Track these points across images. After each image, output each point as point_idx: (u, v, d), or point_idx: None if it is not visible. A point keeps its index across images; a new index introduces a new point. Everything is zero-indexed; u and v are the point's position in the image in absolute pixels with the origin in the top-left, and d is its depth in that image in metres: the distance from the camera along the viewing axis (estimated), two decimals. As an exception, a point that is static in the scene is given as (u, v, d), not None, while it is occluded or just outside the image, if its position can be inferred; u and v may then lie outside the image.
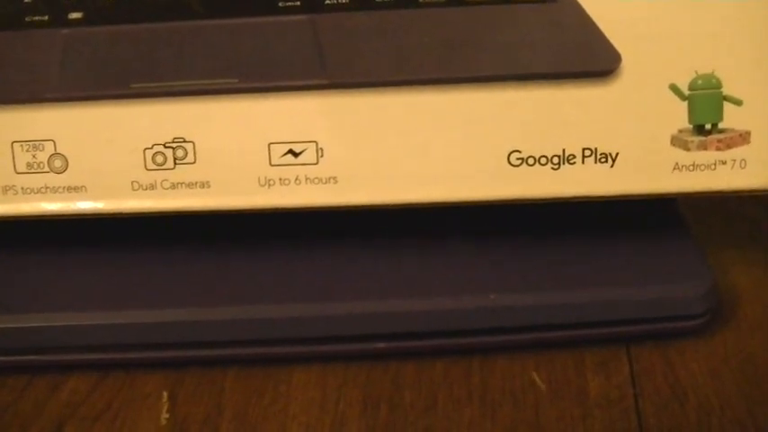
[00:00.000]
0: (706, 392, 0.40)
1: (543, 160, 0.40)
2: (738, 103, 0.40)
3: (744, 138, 0.41)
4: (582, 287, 0.42)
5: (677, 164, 0.41)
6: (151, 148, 0.40)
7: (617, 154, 0.40)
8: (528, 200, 0.40)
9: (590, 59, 0.39)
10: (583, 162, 0.40)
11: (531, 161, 0.40)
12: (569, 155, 0.40)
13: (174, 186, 0.40)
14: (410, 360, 0.41)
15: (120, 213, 0.40)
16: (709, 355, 0.42)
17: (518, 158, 0.40)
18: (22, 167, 0.40)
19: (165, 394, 0.40)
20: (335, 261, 0.43)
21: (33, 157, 0.40)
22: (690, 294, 0.42)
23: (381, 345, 0.41)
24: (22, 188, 0.40)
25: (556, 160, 0.40)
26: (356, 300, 0.41)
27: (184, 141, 0.40)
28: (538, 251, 0.43)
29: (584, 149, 0.40)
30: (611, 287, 0.42)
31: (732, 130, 0.41)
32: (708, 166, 0.41)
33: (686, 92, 0.40)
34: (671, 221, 0.45)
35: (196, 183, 0.40)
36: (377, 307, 0.41)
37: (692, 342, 0.42)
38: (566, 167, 0.40)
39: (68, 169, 0.40)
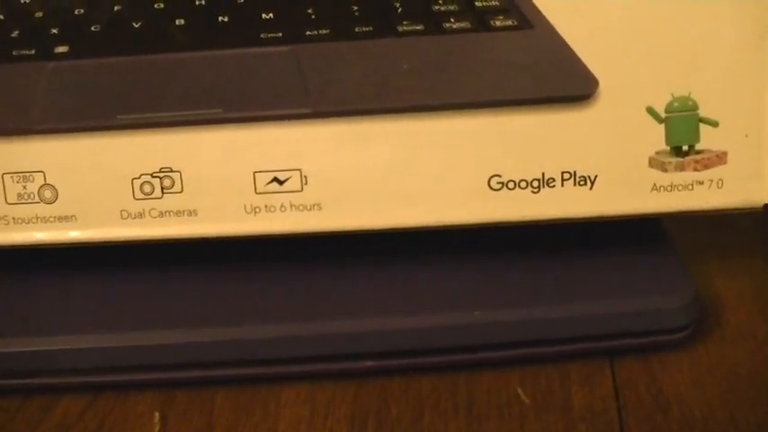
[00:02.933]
0: (689, 403, 0.40)
1: (523, 184, 0.41)
2: (714, 124, 0.41)
3: (720, 158, 0.41)
4: (564, 302, 0.42)
5: (655, 185, 0.41)
6: (139, 177, 0.41)
7: (596, 176, 0.41)
8: (509, 223, 0.41)
9: (567, 84, 0.40)
10: (562, 185, 0.41)
11: (511, 185, 0.41)
12: (549, 178, 0.41)
13: (162, 215, 0.41)
14: (397, 376, 0.42)
15: (110, 242, 0.41)
16: (692, 367, 0.42)
17: (498, 182, 0.41)
18: (12, 198, 0.41)
19: (156, 414, 0.41)
20: (322, 281, 0.43)
21: (24, 187, 0.40)
22: (672, 308, 0.42)
23: (369, 363, 0.42)
24: (14, 218, 0.41)
25: (536, 184, 0.41)
26: (343, 319, 0.42)
27: (171, 171, 0.40)
28: (520, 267, 0.44)
29: (563, 173, 0.41)
30: (593, 302, 0.42)
31: (709, 151, 0.41)
32: (685, 187, 0.41)
33: (663, 114, 0.41)
34: (653, 234, 0.45)
35: (184, 211, 0.41)
36: (364, 326, 0.42)
37: (675, 353, 0.43)
38: (545, 190, 0.41)
39: (58, 199, 0.41)
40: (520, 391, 0.41)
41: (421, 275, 0.44)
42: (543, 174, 0.41)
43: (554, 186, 0.41)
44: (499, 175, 0.41)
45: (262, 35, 0.40)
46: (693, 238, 0.49)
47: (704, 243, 0.49)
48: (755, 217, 0.44)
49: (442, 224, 0.41)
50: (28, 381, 0.42)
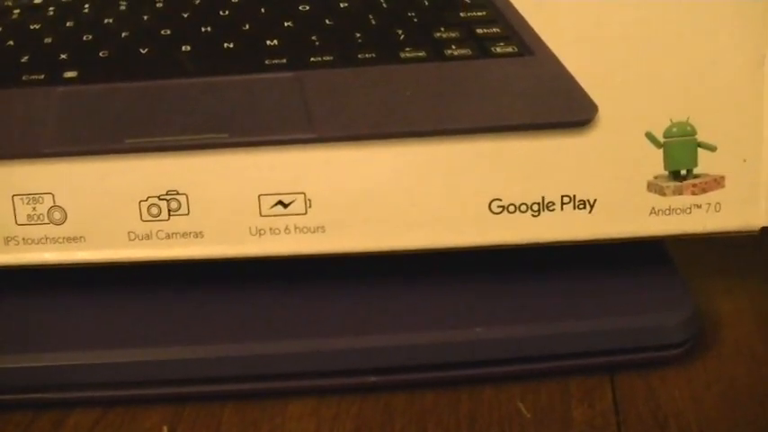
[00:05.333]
0: (687, 418, 0.41)
1: (523, 208, 0.42)
2: (712, 149, 0.42)
3: (718, 182, 0.42)
4: (565, 318, 0.43)
5: (654, 208, 0.42)
6: (146, 200, 0.41)
7: (595, 200, 0.42)
8: (509, 246, 0.42)
9: (567, 110, 0.41)
10: (562, 209, 0.42)
11: (511, 209, 0.42)
12: (549, 202, 0.42)
13: (168, 236, 0.41)
14: (401, 391, 0.43)
15: (118, 263, 0.42)
16: (691, 382, 0.43)
17: (499, 206, 0.42)
18: (22, 219, 0.42)
19: (165, 428, 0.42)
20: (327, 298, 0.44)
21: (33, 209, 0.41)
22: (670, 324, 0.43)
23: (373, 378, 0.42)
24: (24, 239, 0.42)
25: (536, 207, 0.42)
26: (347, 335, 0.42)
27: (178, 194, 0.41)
28: (521, 284, 0.45)
29: (562, 197, 0.42)
30: (593, 318, 0.43)
31: (707, 175, 0.42)
32: (683, 210, 0.42)
33: (661, 139, 0.42)
34: (653, 251, 0.46)
35: (190, 233, 0.41)
36: (367, 342, 0.42)
37: (674, 369, 0.43)
38: (545, 214, 0.42)
39: (67, 221, 0.41)
40: (521, 405, 0.42)
41: (423, 292, 0.44)
42: (543, 198, 0.42)
43: (554, 210, 0.42)
44: (500, 199, 0.42)
45: (266, 61, 0.41)
46: (694, 256, 0.49)
47: (705, 261, 0.49)
48: (755, 236, 0.44)
49: (443, 247, 0.42)
50: (39, 395, 0.43)
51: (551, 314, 0.43)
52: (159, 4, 0.41)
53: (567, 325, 0.43)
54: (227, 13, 0.41)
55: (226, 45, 0.41)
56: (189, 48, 0.41)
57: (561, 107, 0.41)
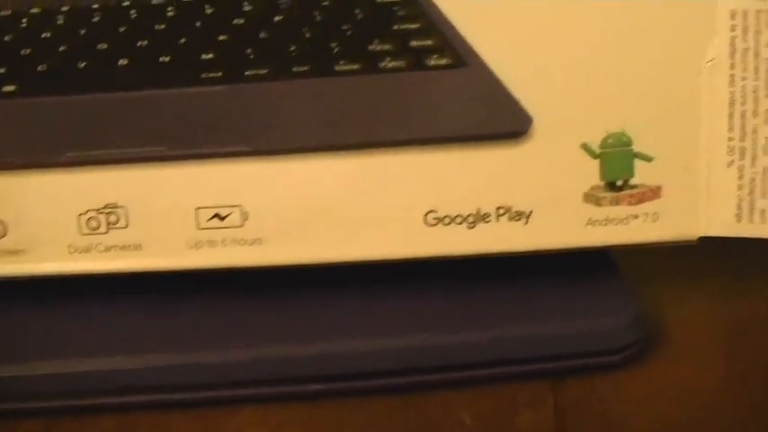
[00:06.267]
0: (633, 423, 0.41)
1: (459, 219, 0.42)
2: (649, 159, 0.42)
3: (655, 192, 0.42)
4: (510, 325, 0.43)
5: (590, 219, 0.42)
6: (85, 213, 0.42)
7: (531, 212, 0.42)
8: (446, 257, 0.42)
9: (502, 122, 0.41)
10: (497, 220, 0.42)
11: (447, 220, 0.42)
12: (484, 213, 0.42)
13: (108, 249, 0.42)
14: (349, 398, 0.43)
15: (58, 275, 0.42)
16: (637, 386, 0.43)
17: (434, 218, 0.42)
18: (-36, 233, 0.42)
19: (114, 439, 0.42)
20: (272, 307, 0.44)
21: (-26, 222, 0.42)
22: (615, 328, 0.43)
23: (317, 386, 0.43)
24: (-35, 253, 0.42)
25: (471, 219, 0.42)
26: (293, 343, 0.42)
27: (117, 207, 0.42)
28: (465, 291, 0.45)
29: (498, 208, 0.42)
30: (538, 324, 0.43)
31: (644, 186, 0.42)
32: (621, 221, 0.42)
33: (597, 150, 0.42)
34: (598, 255, 0.46)
35: (129, 246, 0.42)
36: (311, 350, 0.42)
37: (620, 374, 0.43)
38: (481, 226, 0.42)
39: (8, 234, 0.42)
40: (463, 413, 0.42)
41: (368, 299, 0.45)
42: (478, 209, 0.42)
43: (489, 222, 0.42)
44: (435, 211, 0.42)
45: (202, 75, 0.41)
46: (642, 260, 0.49)
47: (653, 265, 0.49)
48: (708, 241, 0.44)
49: (379, 259, 0.42)
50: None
51: (496, 320, 0.43)
52: (96, 19, 0.42)
53: (511, 331, 0.43)
54: (162, 27, 0.41)
55: (162, 59, 0.41)
56: (126, 61, 0.41)
57: (495, 119, 0.41)
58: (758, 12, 0.41)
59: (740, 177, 0.42)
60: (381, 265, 0.44)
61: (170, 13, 0.41)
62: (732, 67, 0.41)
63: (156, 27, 0.41)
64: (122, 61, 0.41)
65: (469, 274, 0.45)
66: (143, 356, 0.42)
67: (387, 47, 0.41)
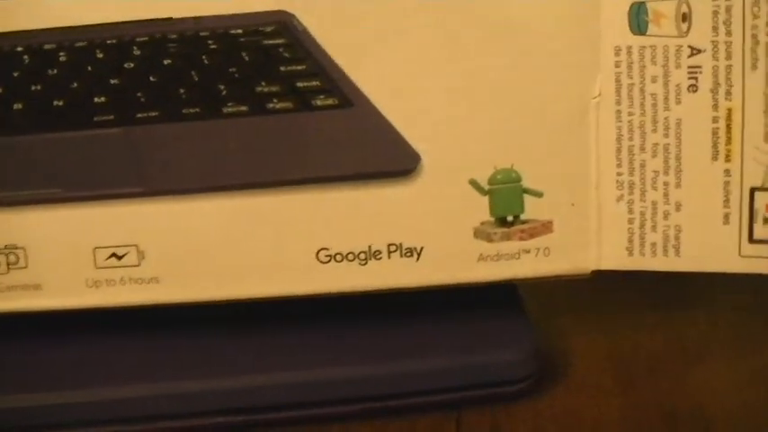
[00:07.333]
0: (531, 453, 0.41)
1: (350, 256, 0.42)
2: (539, 195, 0.42)
3: (546, 227, 0.42)
4: (410, 357, 0.43)
5: (482, 255, 0.42)
6: (-15, 254, 0.43)
7: (422, 248, 0.42)
8: (339, 294, 0.43)
9: (389, 160, 0.41)
10: (389, 257, 0.42)
11: (338, 258, 0.42)
12: (375, 251, 0.42)
13: (8, 289, 0.43)
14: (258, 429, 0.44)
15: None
16: (537, 416, 0.43)
17: (326, 255, 0.42)
18: None
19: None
20: (173, 341, 0.45)
21: None
22: (513, 359, 0.43)
23: (219, 419, 0.43)
24: None
25: (363, 256, 0.42)
26: (194, 377, 0.43)
27: (16, 248, 0.42)
28: (367, 323, 0.45)
29: (389, 245, 0.42)
30: (438, 356, 0.43)
31: (535, 221, 0.42)
32: (512, 256, 0.42)
33: (486, 186, 0.42)
34: (499, 286, 0.46)
35: (29, 285, 0.43)
36: (211, 384, 0.43)
37: (519, 404, 0.44)
38: (373, 262, 0.42)
39: None
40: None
41: (270, 334, 0.45)
42: (370, 247, 0.42)
43: (381, 258, 0.42)
44: (327, 249, 0.42)
45: (95, 118, 0.42)
46: (544, 291, 0.49)
47: (555, 296, 0.50)
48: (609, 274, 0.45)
49: (273, 295, 0.43)
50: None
51: (397, 353, 0.44)
52: (-11, 65, 0.43)
53: (411, 363, 0.43)
54: (55, 71, 0.42)
55: (56, 103, 0.42)
56: (20, 105, 0.42)
57: (383, 157, 0.41)
58: (642, 48, 0.41)
59: (630, 211, 0.42)
60: (286, 301, 0.44)
61: (62, 58, 0.42)
62: (618, 102, 0.41)
63: (49, 72, 0.42)
64: (17, 105, 0.42)
65: (371, 306, 0.45)
66: (66, 392, 0.43)
67: (274, 88, 0.42)
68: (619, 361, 0.46)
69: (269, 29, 0.42)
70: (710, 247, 0.42)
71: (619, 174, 0.42)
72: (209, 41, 0.42)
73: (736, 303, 0.50)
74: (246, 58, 0.42)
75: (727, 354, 0.46)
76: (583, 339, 0.47)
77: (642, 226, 0.42)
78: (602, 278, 0.44)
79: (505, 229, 0.42)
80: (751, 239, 0.42)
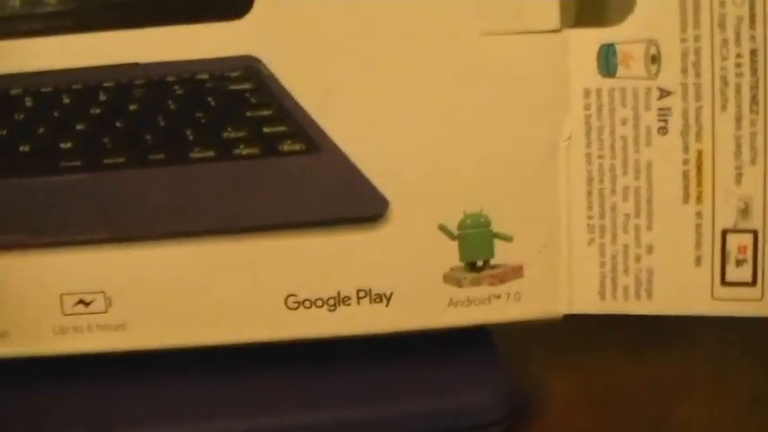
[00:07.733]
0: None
1: (319, 302, 0.42)
2: (509, 239, 0.42)
3: (516, 271, 0.42)
4: (381, 402, 0.43)
5: (452, 300, 0.42)
6: (-49, 301, 0.42)
7: (392, 293, 0.42)
8: (307, 340, 0.42)
9: (357, 206, 0.41)
10: (358, 303, 0.42)
11: (307, 304, 0.42)
12: (344, 297, 0.42)
13: (-25, 336, 0.42)
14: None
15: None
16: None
17: (295, 302, 0.42)
18: None
19: None
20: (135, 386, 0.45)
21: None
22: (487, 402, 0.43)
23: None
24: None
25: (332, 302, 0.42)
26: (148, 425, 0.43)
27: (-19, 294, 0.42)
28: (336, 366, 0.45)
29: (358, 291, 0.42)
30: (410, 400, 0.43)
31: (505, 265, 0.42)
32: (482, 301, 0.42)
33: (455, 232, 0.42)
34: (474, 331, 0.46)
35: (-5, 332, 0.42)
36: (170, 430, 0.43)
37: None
38: (342, 308, 0.42)
39: None
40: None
41: (232, 379, 0.45)
42: (339, 292, 0.42)
43: (350, 304, 0.42)
44: (295, 295, 0.42)
45: (61, 164, 0.41)
46: (520, 332, 0.49)
47: (531, 336, 0.49)
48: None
49: (243, 342, 0.42)
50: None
51: (369, 397, 0.43)
52: (-44, 110, 0.42)
53: (384, 407, 0.43)
54: (22, 117, 0.42)
55: (21, 148, 0.41)
56: (-14, 151, 0.42)
57: (351, 203, 0.41)
58: (611, 90, 0.41)
59: (602, 255, 0.42)
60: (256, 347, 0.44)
61: (28, 104, 0.41)
62: (588, 145, 0.41)
63: (16, 117, 0.42)
64: (-17, 151, 0.42)
65: (345, 349, 0.45)
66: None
67: (240, 134, 0.42)
68: (595, 402, 0.45)
69: (235, 74, 0.41)
70: (683, 290, 0.42)
71: (589, 217, 0.42)
72: (176, 86, 0.41)
73: (712, 340, 0.49)
74: (213, 103, 0.41)
75: (705, 392, 0.46)
76: (558, 379, 0.47)
77: (614, 269, 0.42)
78: (576, 318, 0.44)
79: (475, 275, 0.42)
80: (723, 282, 0.42)
